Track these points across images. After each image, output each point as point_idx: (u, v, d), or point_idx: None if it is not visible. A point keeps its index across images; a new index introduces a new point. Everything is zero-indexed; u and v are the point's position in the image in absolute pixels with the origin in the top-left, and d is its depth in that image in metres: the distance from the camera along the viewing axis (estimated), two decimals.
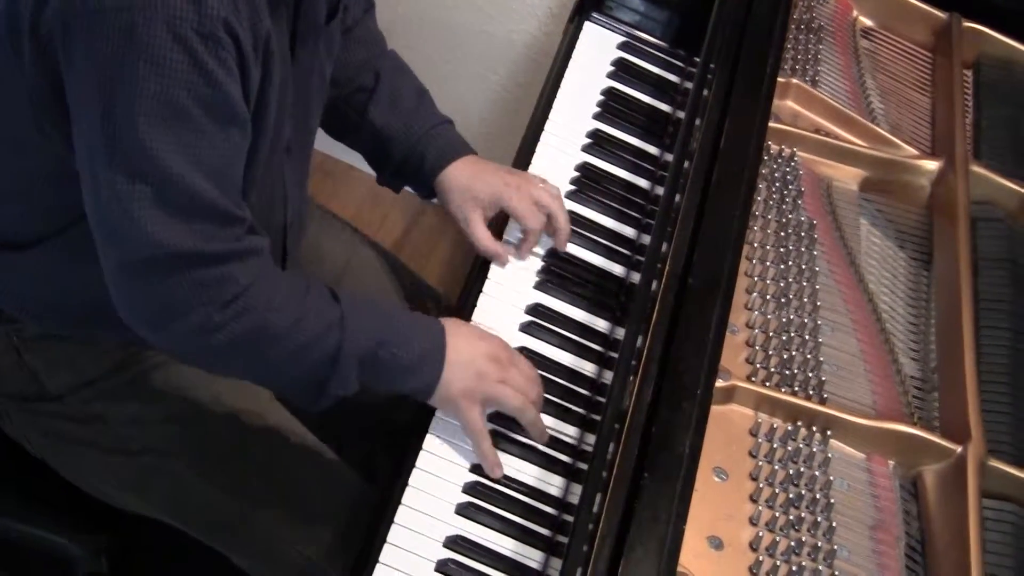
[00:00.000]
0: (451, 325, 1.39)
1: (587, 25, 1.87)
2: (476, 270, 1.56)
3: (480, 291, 1.52)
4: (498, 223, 1.60)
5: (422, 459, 1.37)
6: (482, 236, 1.56)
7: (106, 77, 1.14)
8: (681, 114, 1.73)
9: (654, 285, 1.40)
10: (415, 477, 1.35)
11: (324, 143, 2.75)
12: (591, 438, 1.39)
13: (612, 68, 1.82)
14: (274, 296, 1.27)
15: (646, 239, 1.59)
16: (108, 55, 1.13)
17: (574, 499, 1.34)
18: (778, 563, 1.26)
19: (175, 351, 1.38)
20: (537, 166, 1.67)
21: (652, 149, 1.74)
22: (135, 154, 1.16)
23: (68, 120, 1.21)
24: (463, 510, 1.34)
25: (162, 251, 1.20)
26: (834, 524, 1.30)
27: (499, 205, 1.57)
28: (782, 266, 1.52)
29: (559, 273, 1.57)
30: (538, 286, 1.55)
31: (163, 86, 1.14)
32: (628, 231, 1.64)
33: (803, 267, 1.53)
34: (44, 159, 1.28)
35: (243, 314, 1.25)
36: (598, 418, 1.40)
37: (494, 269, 1.55)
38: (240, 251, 1.25)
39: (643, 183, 1.70)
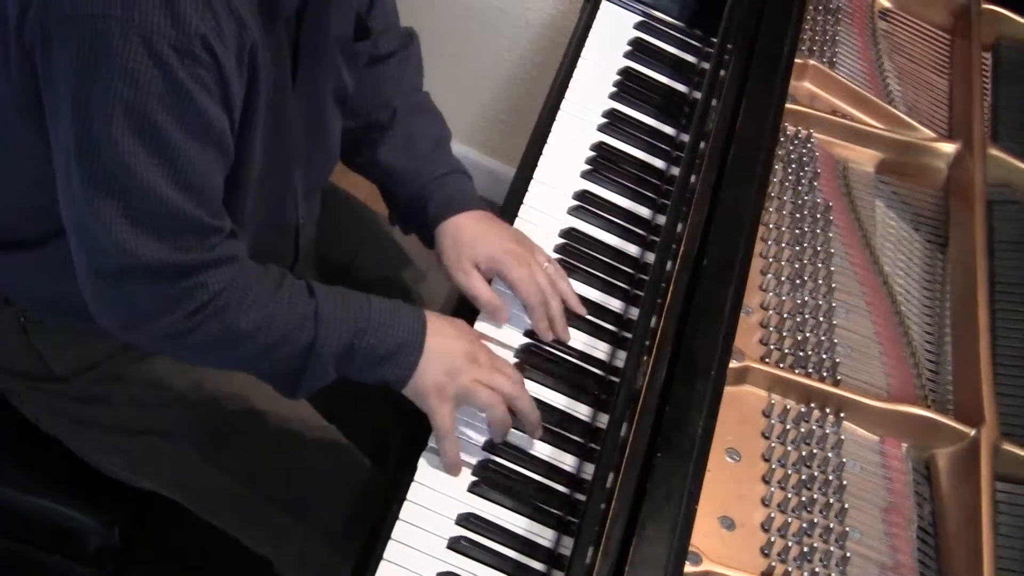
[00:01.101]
0: (434, 319, 1.38)
1: (604, 4, 1.86)
2: None
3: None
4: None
5: (431, 441, 1.37)
6: (482, 291, 1.47)
7: (81, 85, 1.14)
8: (697, 95, 1.72)
9: (669, 265, 1.40)
10: (427, 455, 1.35)
11: None
12: (604, 417, 1.39)
13: (629, 48, 1.81)
14: (245, 297, 1.28)
15: (661, 219, 1.59)
16: (83, 63, 1.13)
17: (586, 478, 1.34)
18: (790, 544, 1.26)
19: (148, 349, 1.41)
20: (553, 146, 1.66)
21: (668, 129, 1.74)
22: (108, 164, 1.16)
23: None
24: (475, 488, 1.35)
25: (131, 261, 1.21)
26: (846, 506, 1.30)
27: (496, 273, 1.49)
28: (797, 247, 1.52)
29: (574, 253, 1.57)
30: None
31: (136, 100, 1.14)
32: (643, 211, 1.64)
33: (818, 249, 1.52)
34: (41, 161, 1.27)
35: (212, 318, 1.27)
36: (612, 398, 1.40)
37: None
38: (211, 260, 1.25)
39: (659, 163, 1.70)
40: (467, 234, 1.51)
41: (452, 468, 1.34)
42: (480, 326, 1.47)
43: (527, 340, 1.47)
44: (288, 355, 1.32)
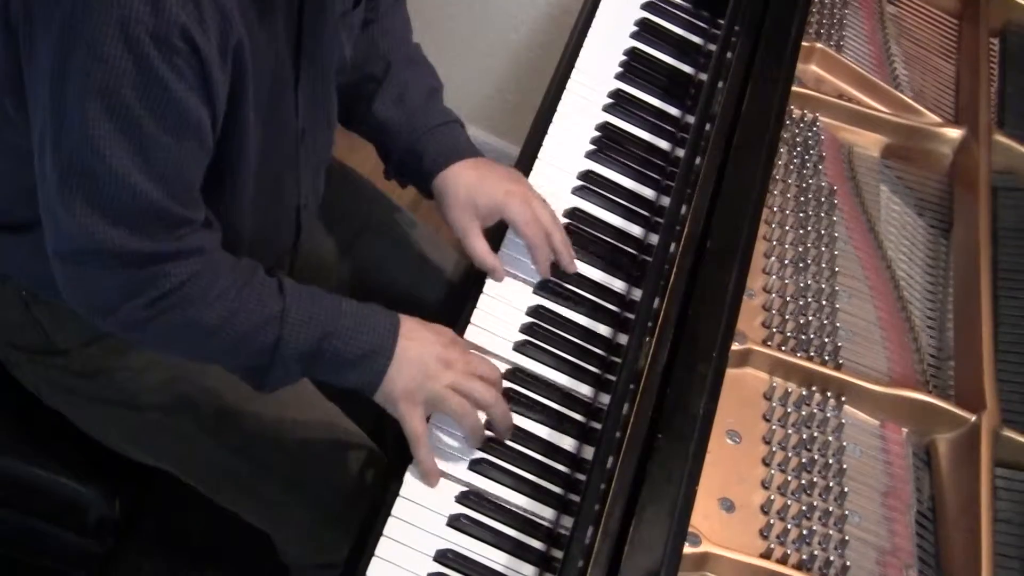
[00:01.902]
0: (408, 323, 1.36)
1: None
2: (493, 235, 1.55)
3: (497, 251, 1.52)
4: (497, 232, 1.54)
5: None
6: (480, 248, 1.48)
7: (58, 67, 1.14)
8: (704, 76, 1.72)
9: (672, 247, 1.40)
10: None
11: None
12: (605, 398, 1.39)
13: (635, 28, 1.81)
14: (210, 290, 1.28)
15: (665, 201, 1.58)
16: (61, 45, 1.13)
17: (587, 458, 1.35)
18: (789, 527, 1.27)
19: (115, 334, 1.41)
20: (558, 126, 1.66)
21: (674, 111, 1.73)
22: (78, 148, 1.16)
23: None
24: (475, 466, 1.35)
25: (93, 245, 1.21)
26: (846, 489, 1.30)
27: (498, 216, 1.50)
28: (801, 231, 1.52)
29: (578, 233, 1.57)
30: None
31: (110, 85, 1.13)
32: (648, 192, 1.64)
33: (822, 232, 1.52)
34: (29, 141, 1.27)
35: (173, 309, 1.26)
36: (613, 378, 1.40)
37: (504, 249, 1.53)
38: (177, 251, 1.25)
39: (664, 145, 1.69)
40: (465, 183, 1.50)
41: (428, 476, 1.31)
42: (478, 317, 1.45)
43: (530, 319, 1.47)
44: (252, 352, 1.31)
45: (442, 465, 1.34)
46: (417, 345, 1.35)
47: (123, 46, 1.11)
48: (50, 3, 1.12)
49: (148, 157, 1.18)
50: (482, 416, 1.35)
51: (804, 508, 1.28)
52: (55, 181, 1.19)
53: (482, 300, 1.48)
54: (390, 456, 1.36)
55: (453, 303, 1.59)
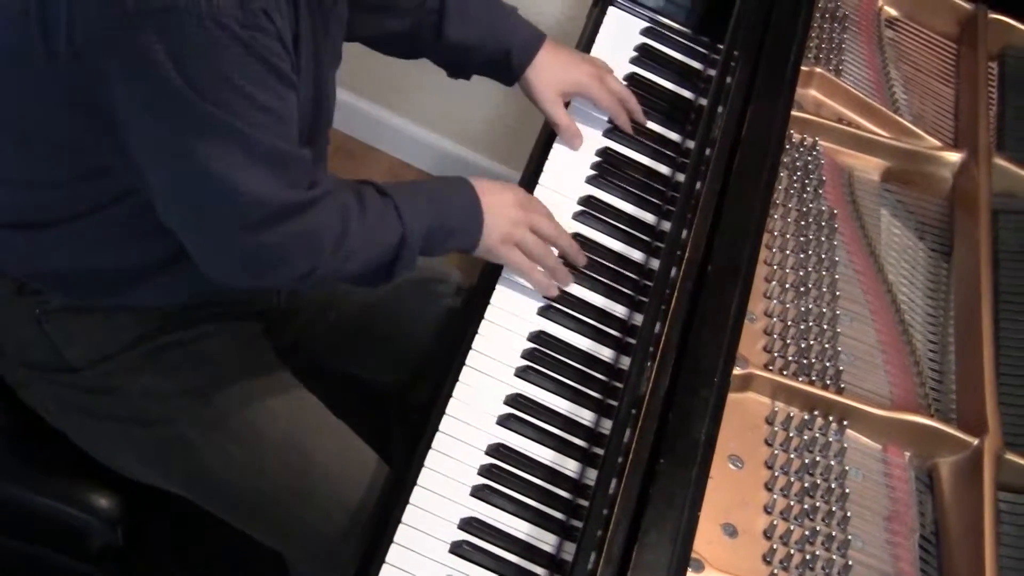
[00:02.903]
0: (478, 182, 1.52)
1: (611, 10, 1.86)
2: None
3: (499, 274, 1.53)
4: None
5: (438, 440, 1.37)
6: (563, 117, 1.67)
7: (163, 82, 1.19)
8: (703, 101, 1.72)
9: (673, 272, 1.40)
10: (431, 458, 1.36)
11: (345, 123, 2.76)
12: (607, 423, 1.39)
13: (635, 54, 1.82)
14: (349, 217, 1.39)
15: (666, 225, 1.59)
16: (162, 53, 1.17)
17: (589, 483, 1.34)
18: (792, 552, 1.26)
19: (286, 287, 1.59)
20: (558, 150, 1.67)
21: (674, 136, 1.74)
22: (219, 131, 1.23)
23: (105, 120, 1.25)
24: (478, 492, 1.35)
25: (262, 207, 1.29)
26: (849, 514, 1.30)
27: (582, 94, 1.70)
28: (802, 255, 1.52)
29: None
30: None
31: (224, 78, 1.21)
32: (648, 217, 1.64)
33: (823, 256, 1.52)
34: (62, 133, 1.31)
35: (333, 248, 1.37)
36: (615, 403, 1.40)
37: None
38: (322, 193, 1.35)
39: (664, 169, 1.70)
40: (549, 67, 1.70)
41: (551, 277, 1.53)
42: (479, 343, 1.47)
43: (532, 344, 1.47)
44: (383, 254, 1.43)
45: (445, 490, 1.34)
46: (493, 197, 1.51)
47: (223, 35, 1.19)
48: (135, 15, 1.16)
49: (274, 128, 1.27)
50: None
51: (807, 533, 1.28)
52: (204, 173, 1.25)
53: (483, 325, 1.48)
54: (397, 472, 1.36)
55: (454, 327, 1.59)
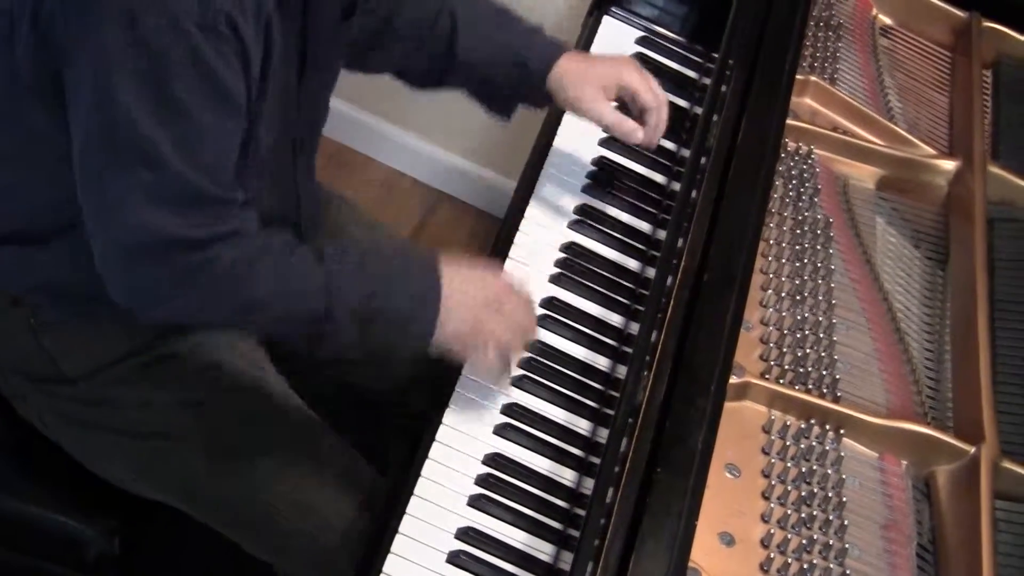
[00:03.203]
0: (448, 268, 1.37)
1: (606, 19, 1.87)
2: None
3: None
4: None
5: (435, 450, 1.37)
6: (611, 114, 1.57)
7: (105, 62, 1.16)
8: (699, 110, 1.73)
9: (669, 280, 1.40)
10: (428, 468, 1.35)
11: (340, 133, 2.76)
12: (604, 432, 1.39)
13: None
14: (258, 269, 1.29)
15: (662, 234, 1.59)
16: (106, 42, 1.15)
17: (586, 493, 1.34)
18: (789, 560, 1.26)
19: (171, 322, 1.44)
20: (553, 160, 1.67)
21: (669, 144, 1.74)
22: (128, 140, 1.19)
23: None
24: (475, 502, 1.35)
25: (149, 238, 1.23)
26: (846, 522, 1.30)
27: (619, 83, 1.58)
28: (797, 263, 1.52)
29: (574, 267, 1.57)
30: (553, 280, 1.55)
31: (160, 76, 1.16)
32: (644, 226, 1.64)
33: (818, 265, 1.52)
34: (56, 151, 1.29)
35: (224, 293, 1.29)
36: (611, 412, 1.40)
37: (512, 260, 1.55)
38: (226, 234, 1.27)
39: (660, 178, 1.70)
40: (578, 69, 1.58)
41: (500, 380, 1.41)
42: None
43: (528, 354, 1.47)
44: (304, 321, 1.33)
45: (441, 500, 1.34)
46: (461, 288, 1.36)
47: (173, 36, 1.14)
48: (93, 4, 1.14)
49: (196, 147, 1.21)
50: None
51: (804, 542, 1.28)
52: (104, 176, 1.21)
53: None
54: (393, 482, 1.36)
55: None
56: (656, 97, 1.59)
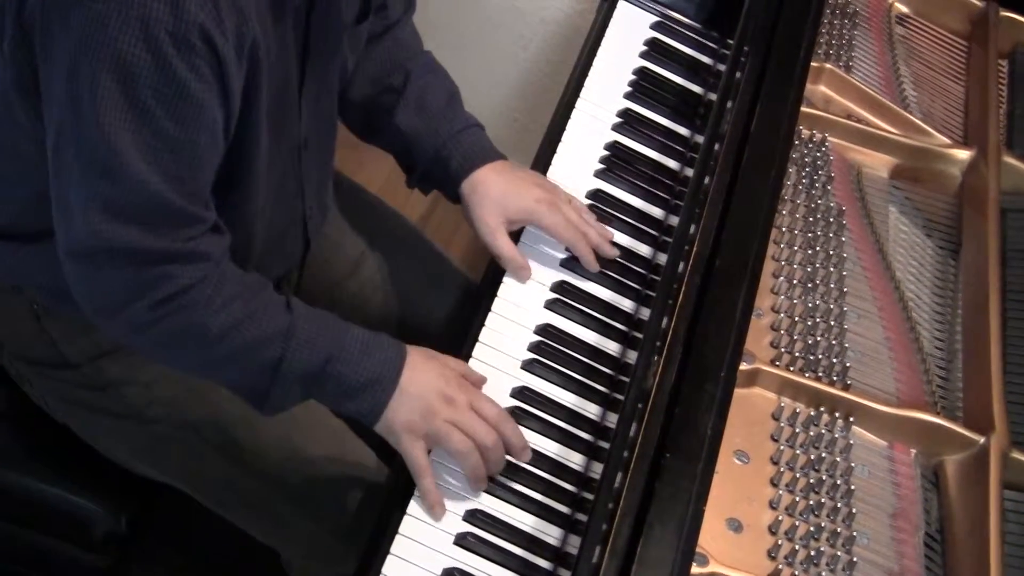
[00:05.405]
0: (415, 355, 1.35)
1: (621, 4, 1.86)
2: None
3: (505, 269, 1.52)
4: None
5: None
6: (508, 248, 1.51)
7: (75, 66, 1.14)
8: (713, 96, 1.72)
9: (681, 266, 1.40)
10: (435, 451, 1.35)
11: None
12: (613, 417, 1.39)
13: (645, 48, 1.81)
14: (215, 298, 1.27)
15: (674, 220, 1.59)
16: (78, 46, 1.13)
17: (595, 477, 1.34)
18: (797, 547, 1.26)
19: (117, 339, 1.41)
20: (567, 144, 1.66)
21: (683, 130, 1.74)
22: (93, 145, 1.17)
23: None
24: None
25: (103, 243, 1.21)
26: (854, 510, 1.30)
27: (530, 222, 1.53)
28: (809, 251, 1.52)
29: None
30: (564, 264, 1.55)
31: (128, 84, 1.14)
32: (656, 212, 1.64)
33: (830, 253, 1.52)
34: (41, 148, 1.27)
35: (176, 313, 1.26)
36: (621, 397, 1.40)
37: (523, 244, 1.54)
38: (185, 252, 1.25)
39: (673, 164, 1.70)
40: (494, 189, 1.53)
41: (433, 508, 1.30)
42: (486, 335, 1.45)
43: (538, 338, 1.47)
44: (254, 368, 1.30)
45: (450, 482, 1.34)
46: (421, 377, 1.33)
47: (143, 45, 1.12)
48: (67, 4, 1.13)
49: (162, 156, 1.19)
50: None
51: (812, 529, 1.28)
52: (70, 180, 1.20)
53: (490, 318, 1.48)
54: (397, 472, 1.36)
55: (461, 321, 1.59)
56: (575, 231, 1.51)
